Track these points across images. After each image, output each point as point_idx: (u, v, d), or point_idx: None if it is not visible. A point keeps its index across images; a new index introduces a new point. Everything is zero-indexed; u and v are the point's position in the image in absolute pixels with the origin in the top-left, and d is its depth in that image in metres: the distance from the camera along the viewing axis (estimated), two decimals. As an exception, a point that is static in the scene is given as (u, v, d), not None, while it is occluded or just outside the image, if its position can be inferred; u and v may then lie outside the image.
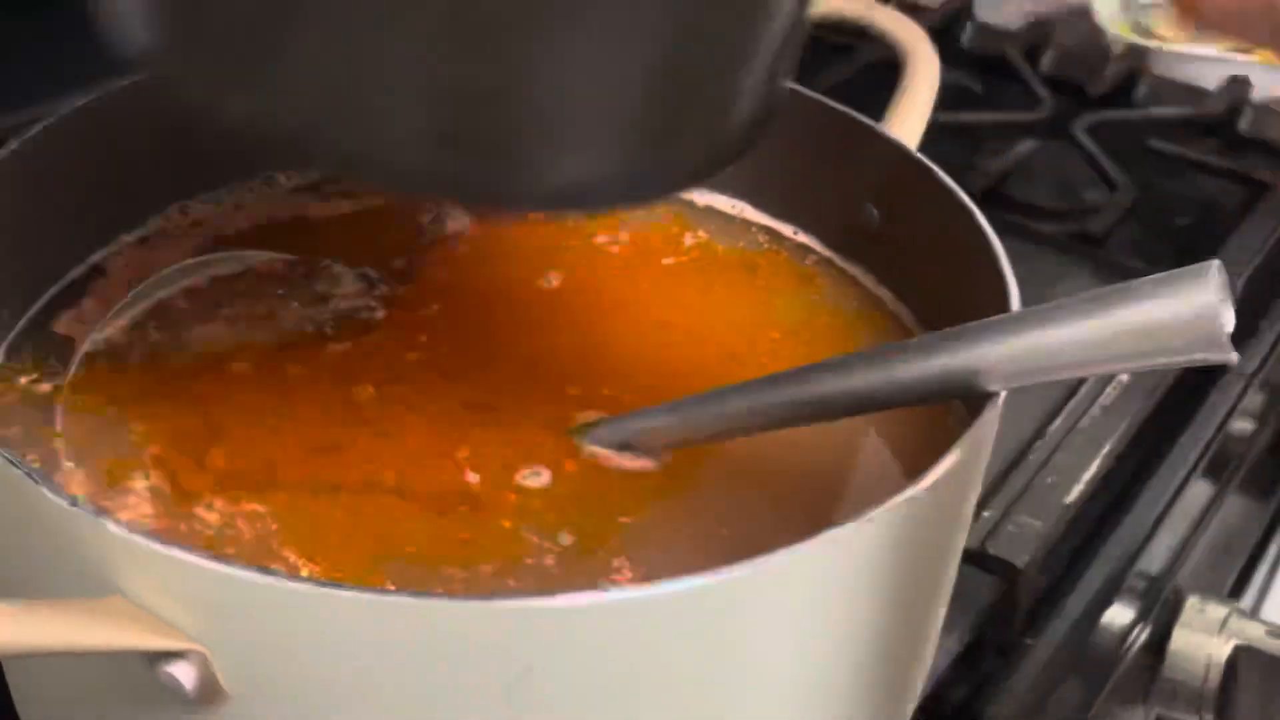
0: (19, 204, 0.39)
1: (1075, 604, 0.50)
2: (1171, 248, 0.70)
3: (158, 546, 0.27)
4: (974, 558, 0.47)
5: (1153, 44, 0.84)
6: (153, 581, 0.27)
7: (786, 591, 0.29)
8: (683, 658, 0.29)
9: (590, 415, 0.38)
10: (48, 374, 0.39)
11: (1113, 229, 0.68)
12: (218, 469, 0.35)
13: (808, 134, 0.46)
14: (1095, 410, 0.54)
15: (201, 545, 0.33)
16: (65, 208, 0.42)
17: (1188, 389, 0.60)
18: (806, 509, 0.37)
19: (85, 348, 0.40)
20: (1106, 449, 0.52)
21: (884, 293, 0.45)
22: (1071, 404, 0.54)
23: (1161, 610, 0.55)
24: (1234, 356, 0.30)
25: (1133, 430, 0.54)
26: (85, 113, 0.41)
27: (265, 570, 0.27)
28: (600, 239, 0.47)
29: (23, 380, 0.39)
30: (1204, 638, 0.55)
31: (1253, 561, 0.65)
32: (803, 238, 0.48)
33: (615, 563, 0.34)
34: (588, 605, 0.27)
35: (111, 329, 0.41)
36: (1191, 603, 0.56)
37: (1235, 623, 0.55)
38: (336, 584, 0.27)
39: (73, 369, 0.39)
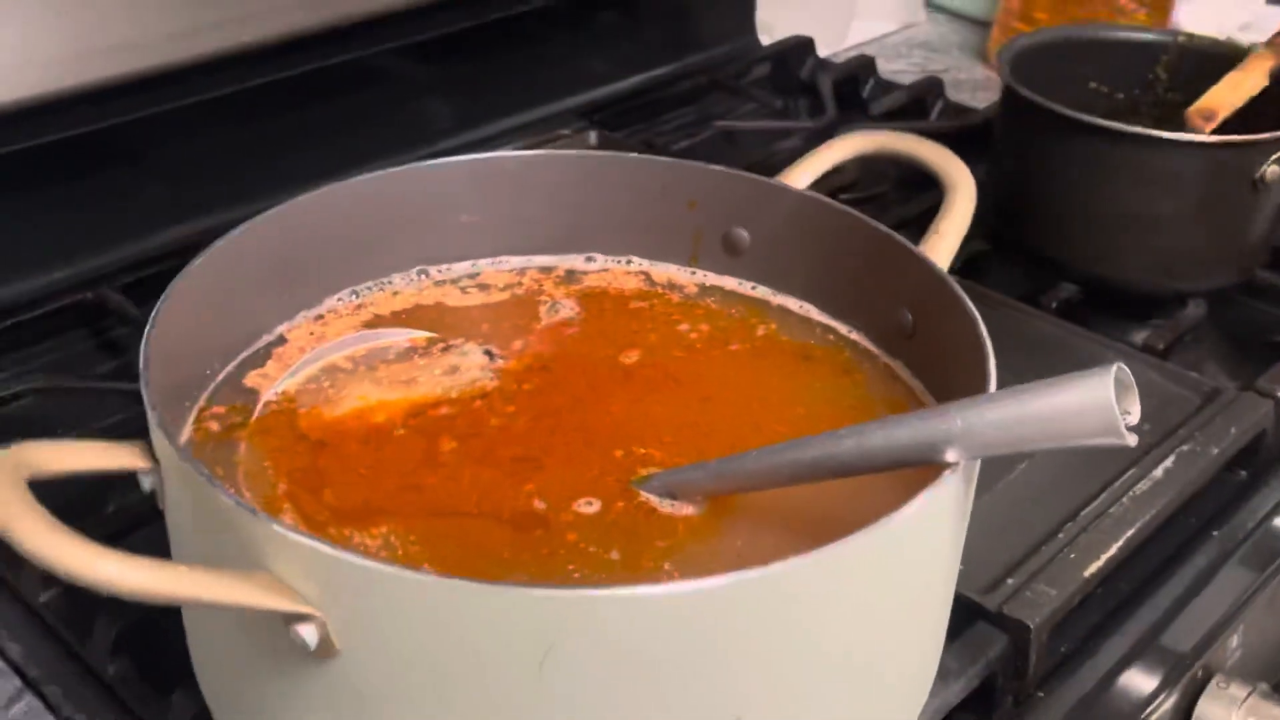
0: (227, 284, 0.51)
1: (1092, 668, 0.56)
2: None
3: (295, 536, 0.37)
4: (990, 617, 0.54)
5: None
6: (290, 563, 0.38)
7: (788, 595, 0.38)
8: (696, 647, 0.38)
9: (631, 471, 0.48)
10: (238, 416, 0.50)
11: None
12: (330, 504, 0.46)
13: (862, 250, 0.55)
14: (1126, 500, 0.60)
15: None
16: (261, 289, 0.54)
17: (1233, 486, 0.66)
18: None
19: (266, 398, 0.51)
20: (1130, 532, 0.59)
21: (915, 383, 0.54)
22: (1105, 495, 0.61)
23: (1189, 684, 0.61)
24: (1131, 440, 0.38)
25: (1161, 518, 0.60)
26: (278, 216, 0.53)
27: (366, 556, 0.37)
28: (682, 326, 0.57)
29: (219, 421, 0.50)
30: (1224, 711, 0.60)
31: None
32: (855, 335, 0.57)
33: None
34: (596, 597, 0.36)
35: (287, 384, 0.52)
36: (1218, 680, 0.62)
37: (1255, 701, 0.61)
38: (414, 568, 0.37)
39: (255, 413, 0.51)
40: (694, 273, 0.61)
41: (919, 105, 1.01)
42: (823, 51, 1.08)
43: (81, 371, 0.71)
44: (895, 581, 0.42)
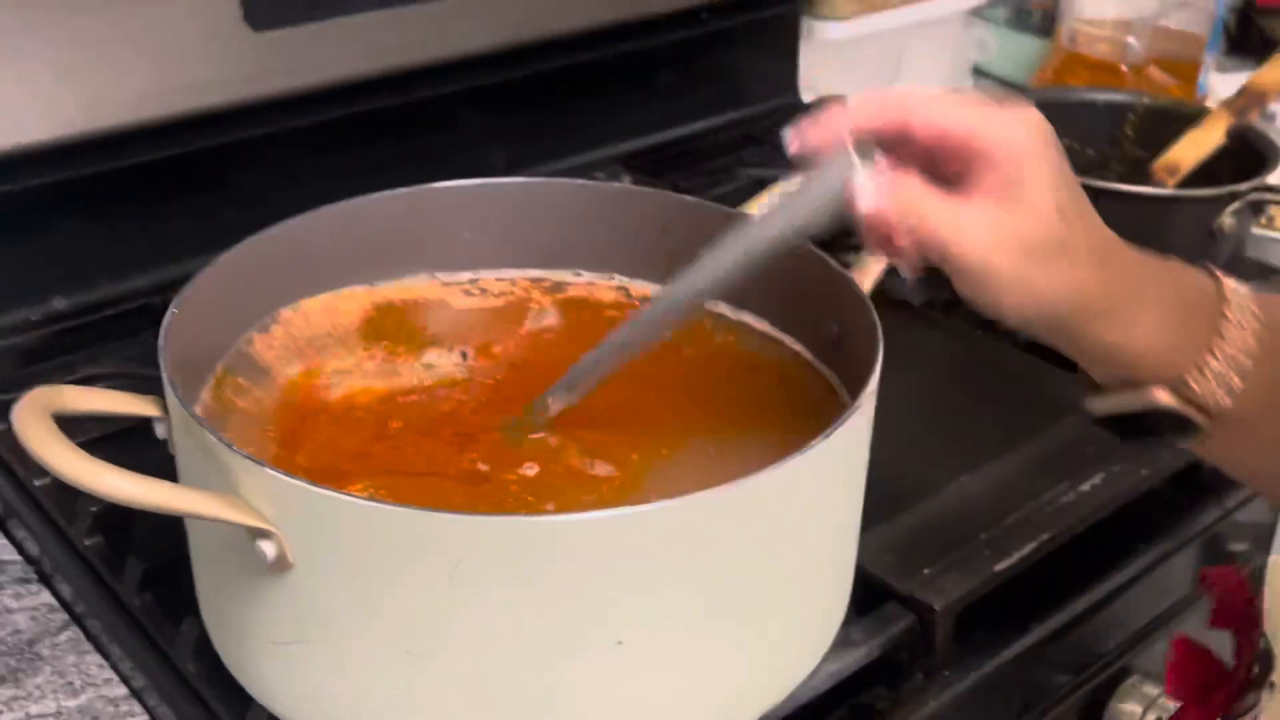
0: (249, 275, 0.61)
1: (1002, 656, 0.63)
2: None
3: (257, 464, 0.46)
4: (900, 598, 0.61)
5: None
6: (254, 487, 0.46)
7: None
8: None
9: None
10: (246, 387, 0.60)
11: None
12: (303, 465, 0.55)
13: (804, 272, 0.62)
14: (1048, 509, 0.66)
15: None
16: (283, 279, 0.63)
17: (1174, 506, 0.72)
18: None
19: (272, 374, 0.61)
20: (1045, 536, 0.65)
21: (842, 391, 0.61)
22: (1031, 505, 0.67)
23: (1106, 681, 0.67)
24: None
25: (1079, 528, 0.66)
26: (308, 220, 0.63)
27: (313, 484, 0.45)
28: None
29: (229, 389, 0.59)
30: (1134, 707, 0.66)
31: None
32: (797, 347, 0.64)
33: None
34: (495, 521, 0.44)
35: (294, 364, 0.62)
36: (1135, 678, 0.67)
37: (1164, 702, 0.66)
38: (350, 494, 0.45)
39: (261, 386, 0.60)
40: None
41: (940, 161, 1.08)
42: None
43: (147, 363, 0.81)
44: (778, 526, 0.49)
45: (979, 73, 1.35)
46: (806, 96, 1.20)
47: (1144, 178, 0.81)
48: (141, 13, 0.79)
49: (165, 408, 0.52)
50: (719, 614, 0.49)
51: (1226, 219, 0.77)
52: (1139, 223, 0.79)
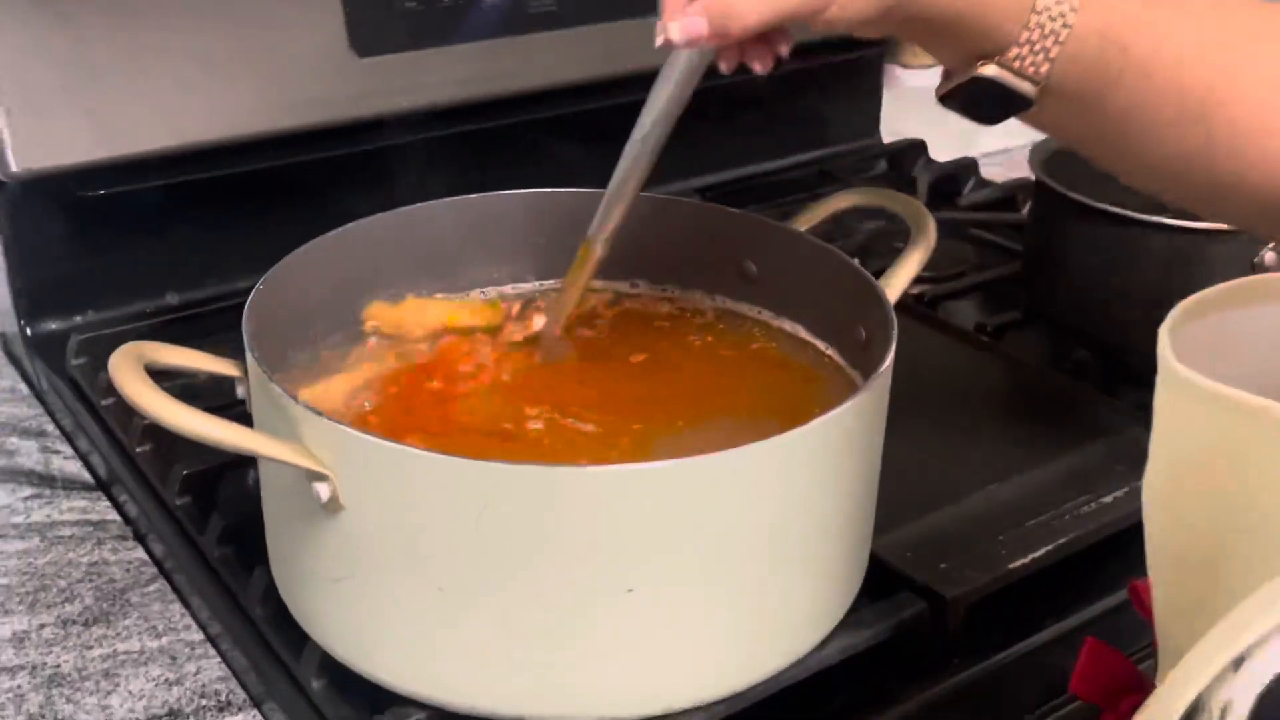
0: (331, 261, 0.67)
1: (1013, 650, 0.66)
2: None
3: (314, 414, 0.52)
4: (915, 587, 0.64)
5: None
6: (313, 433, 0.52)
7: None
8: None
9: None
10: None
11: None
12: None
13: (837, 280, 0.67)
14: (1069, 516, 0.70)
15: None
16: (365, 271, 0.70)
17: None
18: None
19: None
20: (1063, 540, 0.68)
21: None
22: (1052, 512, 0.70)
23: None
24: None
25: (1097, 536, 0.69)
26: (382, 220, 0.70)
27: (362, 430, 0.51)
28: (690, 338, 0.70)
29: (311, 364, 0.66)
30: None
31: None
32: (830, 351, 0.69)
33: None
34: (518, 469, 0.50)
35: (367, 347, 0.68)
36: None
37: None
38: (396, 441, 0.51)
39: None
40: (715, 298, 0.74)
41: (1009, 202, 1.12)
42: (945, 158, 1.20)
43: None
44: (784, 494, 0.53)
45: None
46: (886, 139, 1.25)
47: (1183, 213, 0.84)
48: (258, 36, 0.87)
49: (245, 369, 0.59)
50: (725, 573, 0.54)
51: (1267, 254, 0.80)
52: (1178, 256, 0.83)
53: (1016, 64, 0.55)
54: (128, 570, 0.72)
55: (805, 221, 0.72)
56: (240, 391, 0.60)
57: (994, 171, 1.20)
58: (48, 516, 0.76)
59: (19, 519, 0.76)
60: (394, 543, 0.52)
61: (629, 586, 0.52)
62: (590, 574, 0.51)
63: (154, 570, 0.72)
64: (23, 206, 0.86)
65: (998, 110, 0.57)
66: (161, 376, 0.55)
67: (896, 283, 0.65)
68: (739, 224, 0.72)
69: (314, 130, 0.91)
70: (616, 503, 0.50)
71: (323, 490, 0.53)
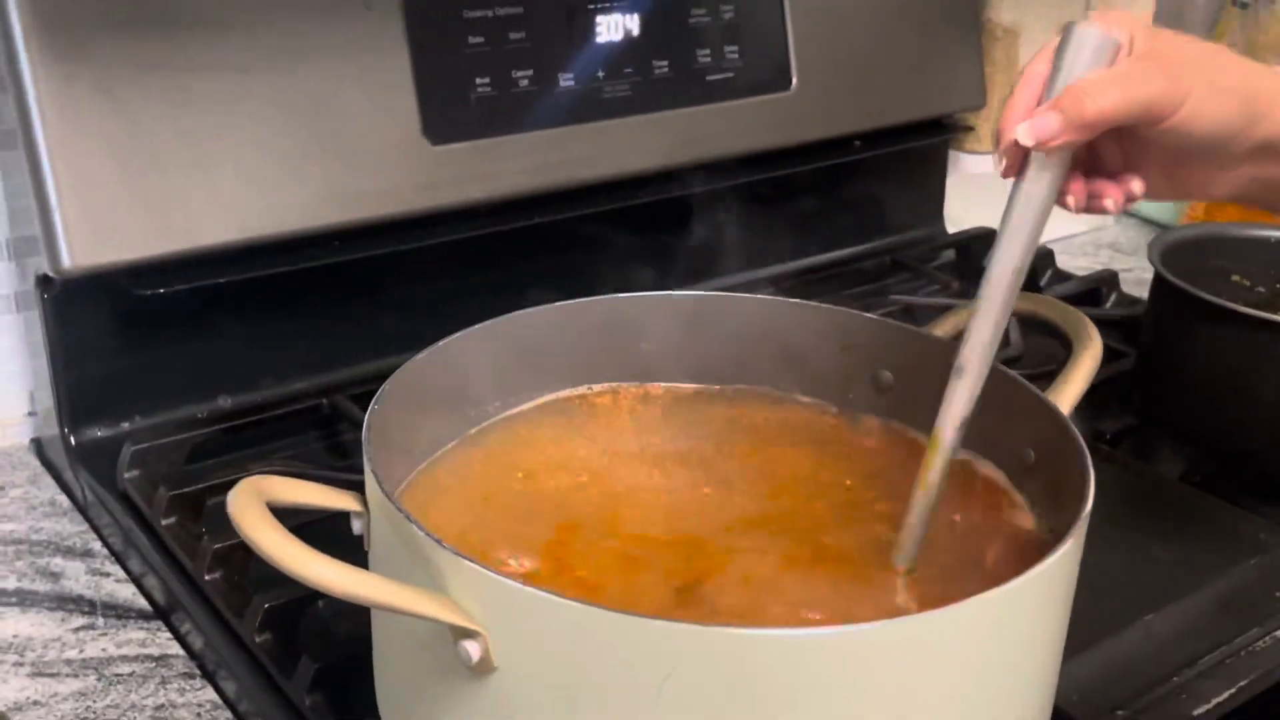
0: (441, 379, 0.61)
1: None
2: None
3: (469, 562, 0.45)
4: (1097, 741, 0.58)
5: None
6: (464, 585, 0.46)
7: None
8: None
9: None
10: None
11: None
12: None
13: (994, 394, 0.61)
14: (1244, 653, 0.64)
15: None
16: (467, 391, 0.64)
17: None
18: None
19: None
20: (1243, 683, 0.62)
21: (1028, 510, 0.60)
22: (1225, 648, 0.64)
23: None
24: None
25: (1274, 669, 0.63)
26: (491, 327, 0.63)
27: (528, 584, 0.45)
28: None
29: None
30: None
31: None
32: (985, 469, 0.63)
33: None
34: (709, 632, 0.43)
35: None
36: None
37: None
38: (566, 597, 0.44)
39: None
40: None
41: (1093, 294, 1.07)
42: (1008, 244, 1.15)
43: (310, 462, 0.81)
44: (988, 653, 0.47)
45: (1124, 212, 1.34)
46: (950, 227, 1.20)
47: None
48: (325, 123, 0.81)
49: (364, 503, 0.52)
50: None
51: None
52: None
53: None
54: (198, 715, 0.64)
55: (942, 328, 0.66)
56: (356, 527, 0.53)
57: (1063, 261, 1.16)
58: (103, 651, 0.69)
59: (72, 653, 0.68)
60: (553, 711, 0.46)
61: (829, 760, 0.45)
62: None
63: (229, 715, 0.65)
64: (71, 304, 0.80)
65: None
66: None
67: (1067, 399, 0.60)
68: (870, 328, 0.66)
69: (383, 222, 0.85)
70: (819, 669, 0.44)
71: (473, 650, 0.46)
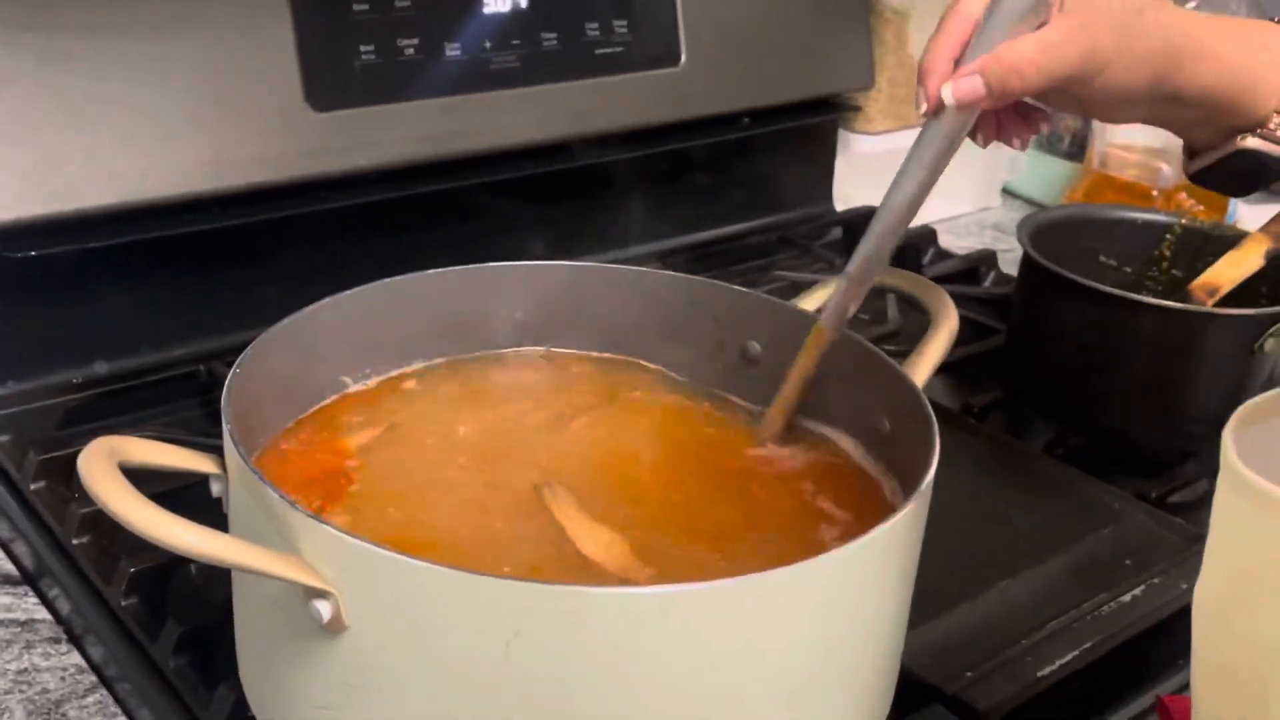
0: (302, 346, 0.61)
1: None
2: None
3: (320, 523, 0.46)
4: (946, 700, 0.60)
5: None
6: (315, 546, 0.46)
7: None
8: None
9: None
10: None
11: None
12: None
13: (852, 367, 0.63)
14: (1089, 618, 0.66)
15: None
16: (334, 354, 0.64)
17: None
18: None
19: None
20: (1088, 645, 0.64)
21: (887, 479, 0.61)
22: (1073, 612, 0.67)
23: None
24: None
25: (1120, 638, 0.65)
26: (353, 297, 0.64)
27: (378, 545, 0.45)
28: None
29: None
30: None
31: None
32: (843, 441, 0.64)
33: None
34: (555, 590, 0.44)
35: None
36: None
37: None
38: (402, 553, 0.45)
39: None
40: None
41: (972, 273, 1.09)
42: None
43: (188, 429, 0.81)
44: (826, 615, 0.48)
45: (1008, 192, 1.37)
46: (839, 206, 1.22)
47: (1181, 297, 0.82)
48: (207, 87, 0.81)
49: (224, 466, 0.52)
50: (763, 698, 0.48)
51: (1269, 340, 0.78)
52: (1180, 339, 0.80)
53: (1278, 133, 0.58)
54: (62, 679, 0.64)
55: (811, 302, 0.67)
56: (215, 489, 0.53)
57: (947, 240, 1.18)
58: (-35, 614, 0.68)
59: (-68, 617, 0.68)
60: (407, 667, 0.46)
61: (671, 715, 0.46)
62: (625, 702, 0.46)
63: (93, 679, 0.64)
64: (-62, 266, 0.79)
65: (1253, 182, 0.60)
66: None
67: (922, 372, 0.61)
68: (740, 301, 0.67)
69: (261, 190, 0.85)
70: (665, 625, 0.45)
71: (324, 609, 0.46)
